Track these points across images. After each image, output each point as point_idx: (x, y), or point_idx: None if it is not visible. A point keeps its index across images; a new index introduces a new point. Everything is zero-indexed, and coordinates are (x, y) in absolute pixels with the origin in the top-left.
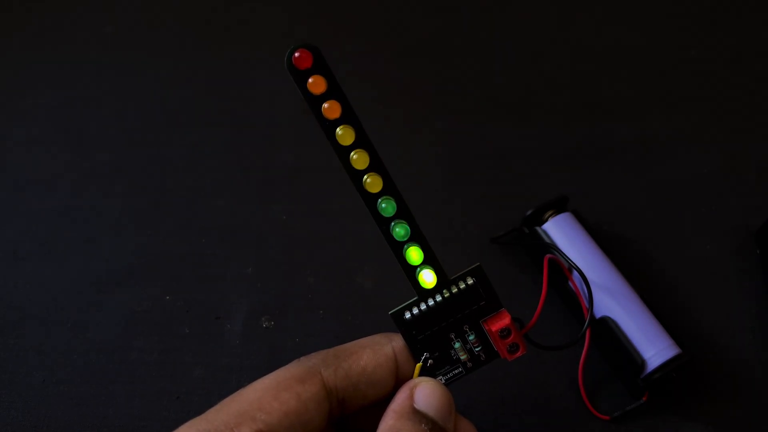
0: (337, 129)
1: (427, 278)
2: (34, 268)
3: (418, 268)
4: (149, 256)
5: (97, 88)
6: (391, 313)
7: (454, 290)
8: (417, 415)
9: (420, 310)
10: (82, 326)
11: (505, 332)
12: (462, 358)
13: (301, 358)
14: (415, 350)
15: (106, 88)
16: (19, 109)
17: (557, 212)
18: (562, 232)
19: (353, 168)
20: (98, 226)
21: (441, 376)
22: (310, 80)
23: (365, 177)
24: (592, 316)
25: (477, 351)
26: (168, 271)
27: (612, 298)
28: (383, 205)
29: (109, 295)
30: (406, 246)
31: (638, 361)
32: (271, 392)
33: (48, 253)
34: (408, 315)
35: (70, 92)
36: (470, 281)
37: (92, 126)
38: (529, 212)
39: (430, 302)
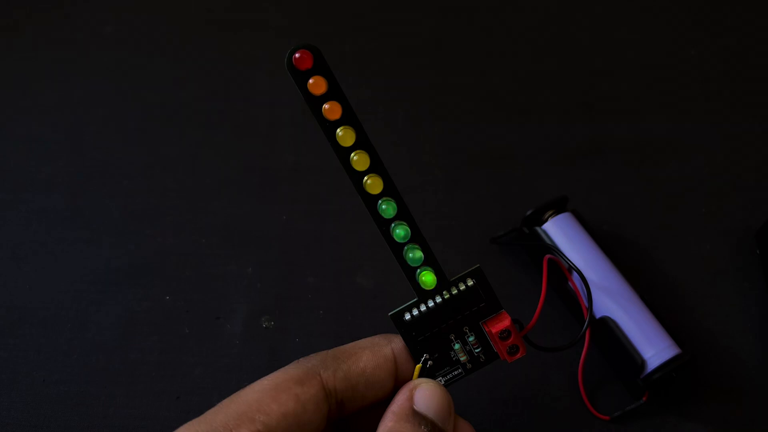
0: (338, 130)
1: (427, 280)
2: (34, 268)
3: (418, 270)
4: (149, 256)
5: (97, 88)
6: (390, 315)
7: (454, 291)
8: (416, 416)
9: (420, 311)
10: (82, 326)
11: (504, 334)
12: (462, 359)
13: (300, 359)
14: (414, 351)
15: (106, 88)
16: (19, 109)
17: (557, 212)
18: (562, 232)
19: (354, 169)
20: (98, 226)
21: (440, 378)
22: (310, 81)
23: (365, 178)
24: (592, 316)
25: (477, 352)
26: (168, 271)
27: (612, 298)
28: (383, 206)
29: (109, 295)
30: (406, 247)
31: (638, 361)
32: (269, 394)
33: (48, 253)
34: (408, 316)
35: (70, 92)
36: (470, 282)
37: (92, 126)
38: (529, 212)
39: (430, 303)
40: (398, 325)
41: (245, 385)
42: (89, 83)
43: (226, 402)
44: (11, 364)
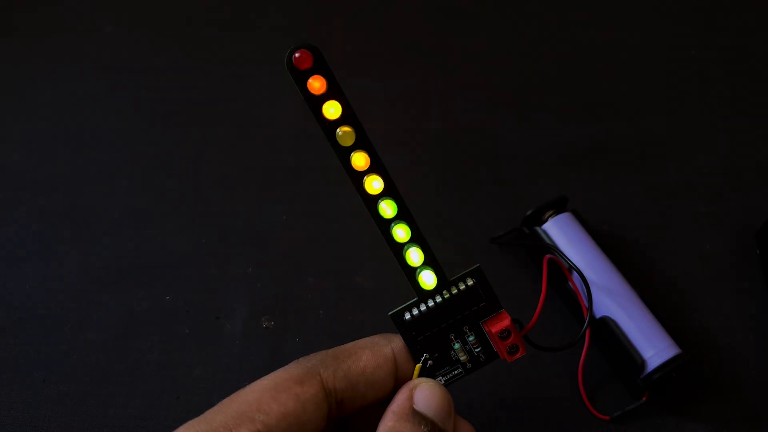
0: (338, 130)
1: (427, 279)
2: (34, 268)
3: (418, 269)
4: (149, 256)
5: (97, 88)
6: (390, 314)
7: (454, 291)
8: (416, 416)
9: (420, 311)
10: (82, 326)
11: (504, 333)
12: (461, 359)
13: (300, 359)
14: (414, 351)
15: (106, 88)
16: (19, 109)
17: (557, 212)
18: (562, 232)
19: (353, 169)
20: (98, 226)
21: (440, 377)
22: (310, 80)
23: (365, 178)
24: (592, 316)
25: (477, 352)
26: (168, 271)
27: (612, 298)
28: (383, 206)
29: (109, 295)
30: (406, 247)
31: (638, 361)
32: (269, 393)
33: (48, 253)
34: (408, 316)
35: (70, 92)
36: (470, 282)
37: (92, 126)
38: (529, 212)
39: (430, 303)
40: (398, 325)
41: (245, 385)
42: (89, 83)
43: (226, 402)
44: (11, 364)
